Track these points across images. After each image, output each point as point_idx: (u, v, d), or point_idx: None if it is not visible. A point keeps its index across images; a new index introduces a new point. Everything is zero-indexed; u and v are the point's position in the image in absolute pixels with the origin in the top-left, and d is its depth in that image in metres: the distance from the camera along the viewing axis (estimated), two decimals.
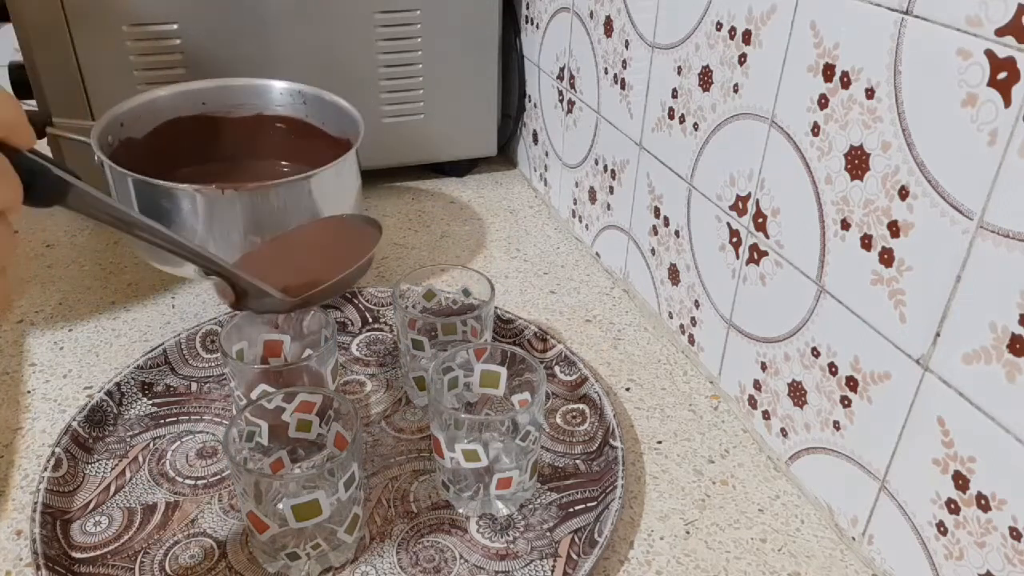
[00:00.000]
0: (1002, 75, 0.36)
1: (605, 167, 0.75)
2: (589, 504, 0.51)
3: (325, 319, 0.54)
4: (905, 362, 0.43)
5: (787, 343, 0.53)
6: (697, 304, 0.63)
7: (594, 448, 0.55)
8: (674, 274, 0.66)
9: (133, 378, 0.58)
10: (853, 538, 0.49)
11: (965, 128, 0.38)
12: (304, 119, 0.72)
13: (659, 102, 0.64)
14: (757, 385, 0.57)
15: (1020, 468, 0.37)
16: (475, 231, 0.84)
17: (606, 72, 0.72)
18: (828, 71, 0.46)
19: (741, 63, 0.53)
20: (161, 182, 0.57)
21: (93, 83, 0.72)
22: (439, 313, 0.62)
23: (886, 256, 0.43)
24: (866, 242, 0.45)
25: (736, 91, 0.54)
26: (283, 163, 0.74)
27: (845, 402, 0.48)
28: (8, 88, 0.74)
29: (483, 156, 0.94)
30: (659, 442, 0.57)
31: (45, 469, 0.50)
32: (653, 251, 0.69)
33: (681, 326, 0.66)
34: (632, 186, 0.71)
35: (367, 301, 0.69)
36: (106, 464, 0.53)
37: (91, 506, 0.50)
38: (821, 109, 0.47)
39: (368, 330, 0.67)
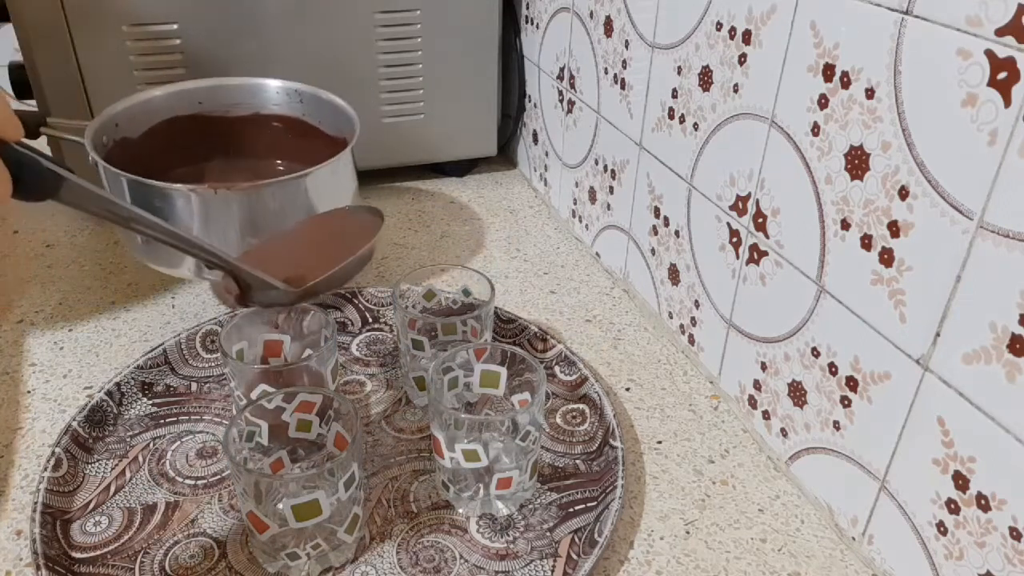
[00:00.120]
0: (1002, 75, 0.36)
1: (605, 167, 0.75)
2: (589, 504, 0.51)
3: (325, 319, 0.54)
4: (905, 362, 0.43)
5: (787, 343, 0.53)
6: (697, 304, 0.63)
7: (594, 448, 0.55)
8: (674, 274, 0.66)
9: (133, 378, 0.58)
10: (853, 538, 0.49)
11: (965, 128, 0.38)
12: (301, 118, 0.72)
13: (659, 102, 0.64)
14: (757, 385, 0.57)
15: (1020, 468, 0.37)
16: (475, 231, 0.84)
17: (606, 72, 0.72)
18: (828, 71, 0.46)
19: (741, 63, 0.53)
20: (154, 182, 0.57)
21: (93, 83, 0.72)
22: (439, 313, 0.62)
23: (886, 256, 0.43)
24: (866, 242, 0.45)
25: (736, 91, 0.54)
26: (281, 162, 0.74)
27: (845, 402, 0.48)
28: (8, 88, 0.74)
29: (483, 156, 0.94)
30: (659, 442, 0.57)
31: (45, 469, 0.50)
32: (653, 251, 0.69)
33: (681, 326, 0.66)
34: (632, 186, 0.71)
35: (367, 301, 0.69)
36: (106, 464, 0.53)
37: (91, 506, 0.50)
38: (821, 109, 0.47)
39: (368, 330, 0.67)
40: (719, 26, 0.55)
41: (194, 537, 0.48)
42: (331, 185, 0.63)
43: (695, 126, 0.59)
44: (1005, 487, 0.39)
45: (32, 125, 0.67)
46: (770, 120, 0.51)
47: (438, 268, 0.68)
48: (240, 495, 0.44)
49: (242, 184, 0.58)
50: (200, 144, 0.72)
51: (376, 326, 0.68)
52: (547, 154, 0.88)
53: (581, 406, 0.59)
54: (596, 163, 0.77)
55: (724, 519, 0.51)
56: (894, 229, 0.43)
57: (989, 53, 0.36)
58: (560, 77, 0.81)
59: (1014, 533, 0.38)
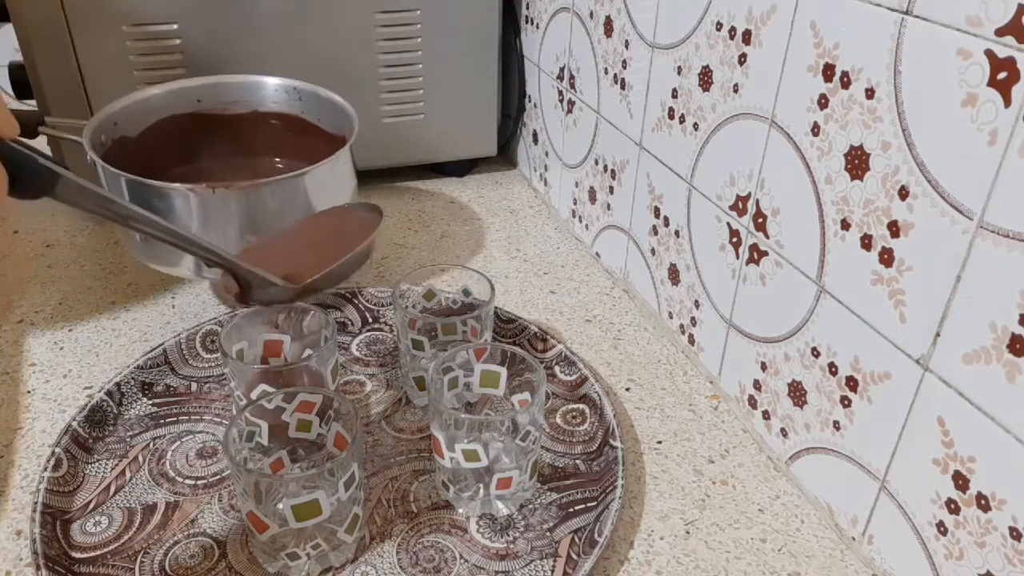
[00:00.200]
0: (1002, 75, 0.36)
1: (605, 167, 0.75)
2: (589, 504, 0.51)
3: (325, 319, 0.54)
4: (905, 362, 0.43)
5: (787, 343, 0.53)
6: (697, 304, 0.63)
7: (594, 448, 0.55)
8: (674, 274, 0.66)
9: (133, 378, 0.58)
10: (853, 538, 0.49)
11: (965, 128, 0.38)
12: (300, 115, 0.72)
13: (659, 102, 0.64)
14: (757, 385, 0.57)
15: (1020, 468, 0.37)
16: (475, 231, 0.84)
17: (606, 72, 0.72)
18: (828, 71, 0.46)
19: (741, 63, 0.53)
20: (152, 181, 0.57)
21: (93, 83, 0.72)
22: (439, 313, 0.62)
23: (886, 256, 0.43)
24: (866, 242, 0.45)
25: (736, 91, 0.54)
26: (280, 160, 0.74)
27: (845, 402, 0.48)
28: (8, 88, 0.74)
29: (483, 156, 0.94)
30: (659, 442, 0.57)
31: (45, 469, 0.50)
32: (653, 251, 0.69)
33: (681, 326, 0.66)
34: (632, 186, 0.71)
35: (367, 301, 0.69)
36: (106, 464, 0.53)
37: (91, 506, 0.50)
38: (821, 109, 0.47)
39: (368, 330, 0.67)
40: (719, 26, 0.55)
41: (194, 537, 0.48)
42: (330, 183, 0.63)
43: (695, 126, 0.59)
44: (1005, 487, 0.39)
45: (30, 124, 0.66)
46: (770, 120, 0.51)
47: (438, 268, 0.68)
48: (240, 495, 0.44)
49: (240, 183, 0.58)
50: (199, 142, 0.72)
51: (376, 326, 0.67)
52: (547, 154, 0.88)
53: (581, 406, 0.59)
54: (596, 163, 0.77)
55: (724, 519, 0.51)
56: (894, 229, 0.43)
57: (989, 53, 0.36)
58: (560, 77, 0.81)
59: (1014, 533, 0.38)
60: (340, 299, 0.68)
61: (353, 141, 0.64)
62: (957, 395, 0.40)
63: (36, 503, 0.47)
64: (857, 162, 0.44)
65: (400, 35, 0.81)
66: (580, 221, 0.83)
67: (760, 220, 0.54)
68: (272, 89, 0.72)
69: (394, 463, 0.54)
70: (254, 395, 0.50)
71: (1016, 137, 0.35)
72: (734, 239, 0.57)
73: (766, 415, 0.56)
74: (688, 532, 0.50)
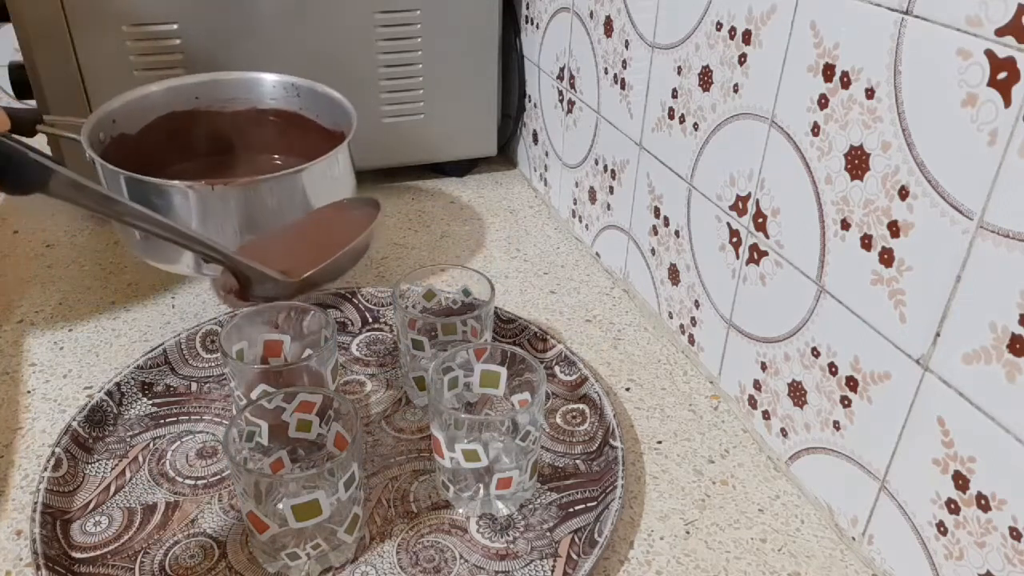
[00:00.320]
0: (1002, 75, 0.36)
1: (605, 167, 0.75)
2: (589, 504, 0.51)
3: (325, 319, 0.54)
4: (905, 362, 0.43)
5: (787, 343, 0.53)
6: (697, 304, 0.63)
7: (594, 448, 0.55)
8: (674, 274, 0.66)
9: (133, 378, 0.58)
10: (853, 538, 0.49)
11: (965, 128, 0.38)
12: (298, 112, 0.72)
13: (659, 102, 0.64)
14: (757, 385, 0.57)
15: (1020, 468, 0.37)
16: (475, 231, 0.84)
17: (606, 72, 0.72)
18: (828, 71, 0.46)
19: (741, 63, 0.53)
20: (151, 179, 0.57)
21: (93, 83, 0.72)
22: (439, 313, 0.62)
23: (886, 256, 0.43)
24: (866, 242, 0.45)
25: (736, 91, 0.54)
26: (278, 157, 0.74)
27: (845, 402, 0.48)
28: (8, 88, 0.74)
29: (483, 156, 0.94)
30: (659, 442, 0.57)
31: (45, 469, 0.50)
32: (653, 251, 0.69)
33: (681, 326, 0.66)
34: (632, 186, 0.71)
35: (367, 301, 0.69)
36: (106, 464, 0.53)
37: (91, 506, 0.50)
38: (821, 109, 0.47)
39: (368, 330, 0.67)
40: (719, 26, 0.55)
41: (194, 537, 0.48)
42: (329, 179, 0.63)
43: (695, 126, 0.59)
44: (1005, 487, 0.39)
45: (29, 123, 0.66)
46: (770, 120, 0.51)
47: (438, 268, 0.68)
48: (240, 495, 0.44)
49: (239, 180, 0.58)
50: (197, 139, 0.72)
51: (376, 326, 0.67)
52: (547, 154, 0.88)
53: (581, 406, 0.59)
54: (596, 163, 0.77)
55: (724, 519, 0.51)
56: (894, 229, 0.43)
57: (989, 53, 0.36)
58: (560, 77, 0.81)
59: (1014, 533, 0.38)
60: (340, 299, 0.68)
61: (352, 138, 0.64)
62: (957, 395, 0.40)
63: (36, 503, 0.47)
64: (857, 162, 0.44)
65: (400, 35, 0.81)
66: (580, 221, 0.83)
67: (760, 220, 0.54)
68: (270, 85, 0.72)
69: (394, 463, 0.54)
70: (254, 395, 0.50)
71: (1016, 137, 0.35)
72: (734, 239, 0.57)
73: (766, 415, 0.56)
74: (688, 532, 0.50)
